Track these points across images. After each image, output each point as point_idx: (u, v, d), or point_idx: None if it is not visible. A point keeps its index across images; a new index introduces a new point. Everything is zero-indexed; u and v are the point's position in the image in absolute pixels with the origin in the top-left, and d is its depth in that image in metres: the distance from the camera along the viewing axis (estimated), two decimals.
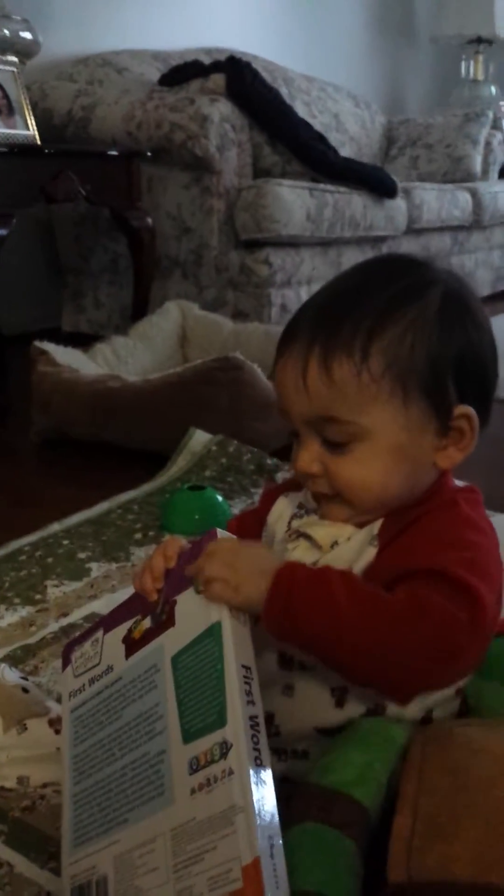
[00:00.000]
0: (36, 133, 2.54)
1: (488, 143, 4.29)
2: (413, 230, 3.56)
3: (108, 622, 0.83)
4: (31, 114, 2.53)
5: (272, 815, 0.62)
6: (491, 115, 4.31)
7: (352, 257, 3.16)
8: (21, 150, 2.43)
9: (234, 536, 0.77)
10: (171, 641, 0.73)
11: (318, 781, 0.72)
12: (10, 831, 0.88)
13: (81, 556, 1.47)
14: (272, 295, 2.83)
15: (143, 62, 3.17)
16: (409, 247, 3.57)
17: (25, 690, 0.98)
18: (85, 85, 2.98)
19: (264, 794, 0.62)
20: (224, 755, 0.63)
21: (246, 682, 0.67)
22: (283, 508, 0.89)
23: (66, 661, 0.87)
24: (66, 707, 0.84)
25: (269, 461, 1.83)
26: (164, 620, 0.74)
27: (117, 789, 0.73)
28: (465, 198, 3.88)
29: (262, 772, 0.63)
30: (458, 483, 0.85)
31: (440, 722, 0.79)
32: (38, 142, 2.55)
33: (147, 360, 2.36)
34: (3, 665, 1.03)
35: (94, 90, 2.93)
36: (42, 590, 1.35)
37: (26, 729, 0.95)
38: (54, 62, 3.09)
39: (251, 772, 0.62)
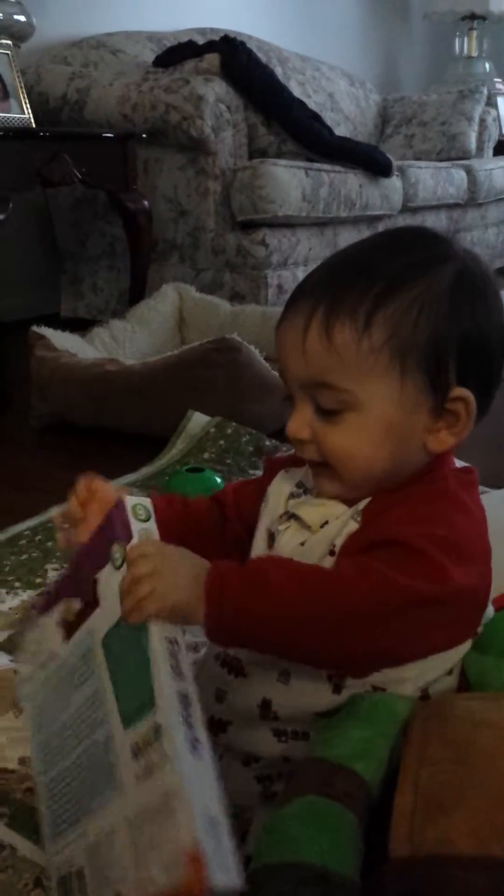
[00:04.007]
0: (31, 116, 2.54)
1: (483, 121, 4.28)
2: (409, 209, 3.56)
3: (44, 605, 0.80)
4: (25, 97, 2.53)
5: (212, 795, 0.59)
6: (485, 91, 4.30)
7: (348, 237, 3.16)
8: (16, 133, 2.43)
9: (146, 507, 0.71)
10: (99, 623, 0.70)
11: (321, 755, 0.72)
12: (12, 813, 0.88)
13: None
14: (269, 276, 2.83)
15: (137, 44, 3.16)
16: (405, 225, 3.57)
17: (17, 672, 0.98)
18: (80, 67, 2.98)
19: (200, 773, 0.60)
20: (157, 739, 0.61)
21: (171, 656, 0.64)
22: (282, 484, 0.87)
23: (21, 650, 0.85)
24: (23, 697, 0.83)
25: (267, 443, 1.85)
26: (91, 602, 0.71)
27: (79, 779, 0.71)
28: (460, 175, 3.88)
29: (197, 751, 0.61)
30: (458, 463, 0.84)
31: (442, 696, 0.79)
32: (34, 125, 2.55)
33: (145, 344, 2.37)
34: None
35: (89, 73, 2.92)
36: (43, 573, 1.37)
37: (23, 711, 0.95)
38: (49, 45, 3.08)
39: (183, 753, 0.60)
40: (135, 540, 0.68)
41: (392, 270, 0.76)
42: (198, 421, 1.89)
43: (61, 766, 0.74)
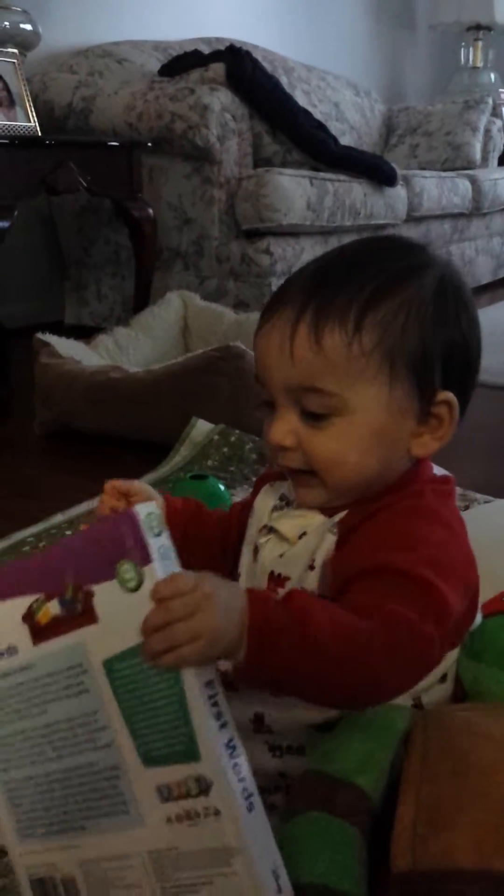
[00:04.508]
0: (37, 124, 2.55)
1: (488, 131, 4.29)
2: (413, 218, 3.56)
3: None
4: (31, 105, 2.54)
5: (271, 847, 0.59)
6: (490, 102, 4.30)
7: None
8: (22, 141, 2.44)
9: (158, 516, 0.63)
10: (97, 642, 0.63)
11: (320, 769, 0.71)
12: None
13: None
14: (273, 284, 2.83)
15: (143, 53, 3.17)
16: (409, 235, 3.57)
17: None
18: (85, 76, 2.99)
19: (259, 826, 0.59)
20: (203, 792, 0.59)
21: (213, 704, 0.60)
22: (266, 498, 0.86)
23: None
24: None
25: None
26: (81, 613, 0.63)
27: (62, 792, 0.67)
28: (464, 185, 3.88)
29: (253, 801, 0.59)
30: (438, 471, 0.83)
31: (441, 707, 0.79)
32: (39, 133, 2.56)
33: (149, 351, 2.37)
34: None
35: (95, 81, 2.93)
36: None
37: None
38: (55, 54, 3.09)
39: (242, 810, 0.58)
40: (156, 564, 0.60)
41: (378, 276, 0.76)
42: (201, 428, 1.89)
43: (28, 772, 0.69)
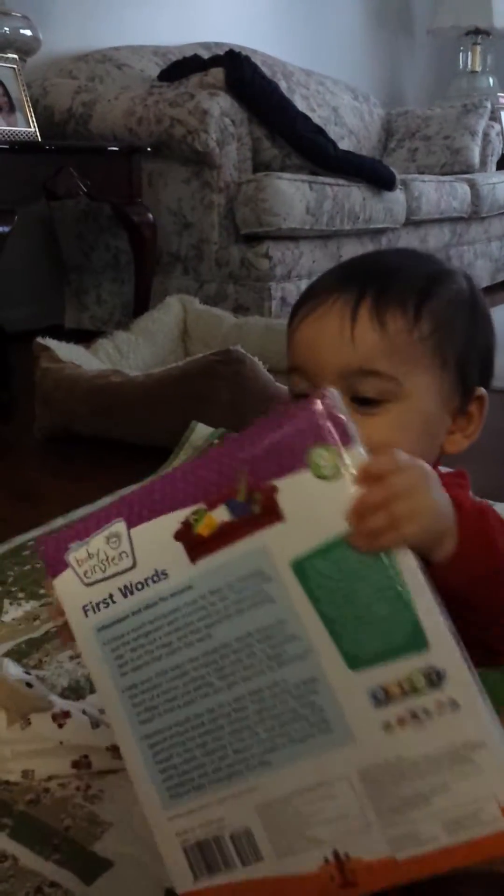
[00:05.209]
0: (37, 130, 2.56)
1: (486, 135, 4.30)
2: (412, 222, 3.57)
3: (127, 511, 0.62)
4: (31, 111, 2.55)
5: None
6: (489, 106, 4.32)
7: (351, 250, 3.18)
8: (22, 147, 2.45)
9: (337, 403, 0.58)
10: (283, 543, 0.57)
11: None
12: (14, 824, 0.89)
13: None
14: (272, 288, 2.84)
15: (142, 58, 3.19)
16: (408, 238, 3.59)
17: (29, 685, 0.99)
18: (85, 81, 3.00)
19: (493, 717, 0.55)
20: (435, 684, 0.54)
21: (433, 589, 0.55)
22: None
23: (57, 564, 0.66)
24: (85, 626, 0.65)
25: None
26: (260, 513, 0.57)
27: (232, 727, 0.60)
28: (463, 189, 3.89)
29: (484, 693, 0.55)
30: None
31: None
32: (39, 138, 2.57)
33: (149, 355, 2.38)
34: (6, 660, 1.04)
35: (95, 86, 2.94)
36: (47, 584, 1.37)
37: (30, 724, 0.96)
38: (54, 59, 3.10)
39: (480, 699, 0.54)
40: (356, 445, 0.56)
41: (425, 273, 0.79)
42: (201, 432, 1.90)
43: (183, 714, 0.62)
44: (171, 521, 0.60)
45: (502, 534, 0.64)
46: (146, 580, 0.61)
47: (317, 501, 0.56)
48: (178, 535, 0.60)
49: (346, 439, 0.56)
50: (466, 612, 0.62)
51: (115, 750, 0.92)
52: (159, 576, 0.61)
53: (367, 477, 0.56)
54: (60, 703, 0.98)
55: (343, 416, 0.56)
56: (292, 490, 0.56)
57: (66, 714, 0.97)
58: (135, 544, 0.62)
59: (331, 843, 0.58)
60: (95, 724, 0.97)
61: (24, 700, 0.97)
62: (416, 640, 0.54)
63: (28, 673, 1.03)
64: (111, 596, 0.63)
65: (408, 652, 0.54)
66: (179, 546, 0.60)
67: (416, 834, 0.55)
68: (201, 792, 0.62)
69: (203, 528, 0.59)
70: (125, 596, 0.62)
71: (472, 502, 0.65)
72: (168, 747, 0.62)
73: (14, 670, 1.01)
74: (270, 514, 0.57)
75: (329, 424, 0.56)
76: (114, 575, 0.62)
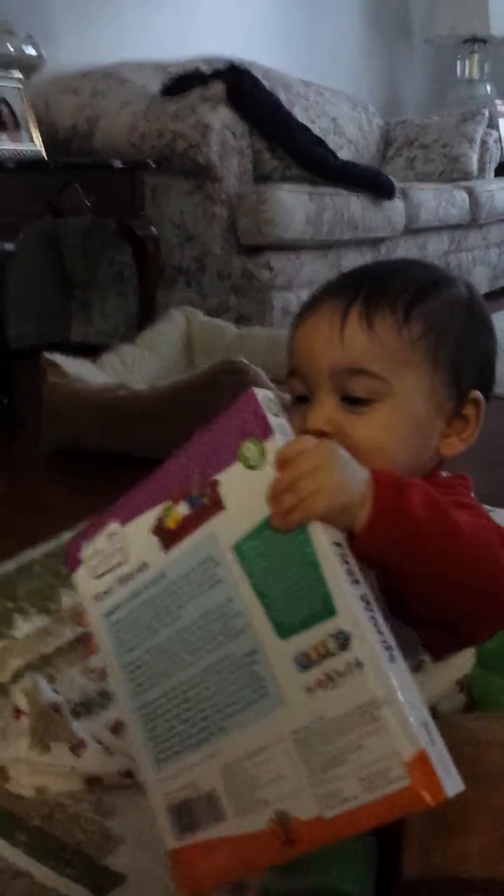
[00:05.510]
0: (42, 148, 2.60)
1: (484, 142, 4.32)
2: (411, 230, 3.60)
3: (121, 512, 0.73)
4: (36, 128, 2.59)
5: (418, 700, 0.59)
6: (487, 113, 4.34)
7: (351, 259, 3.22)
8: (28, 165, 2.49)
9: (275, 401, 0.66)
10: (226, 529, 0.64)
11: None
12: (29, 840, 0.89)
13: None
14: (274, 298, 2.88)
15: (144, 73, 3.22)
16: (407, 246, 3.62)
17: (57, 710, 0.99)
18: (88, 98, 3.03)
19: (403, 678, 0.59)
20: (343, 646, 0.58)
21: (344, 561, 0.61)
22: None
23: (74, 562, 0.76)
24: (96, 613, 0.74)
25: None
26: (209, 506, 0.65)
27: (198, 697, 0.67)
28: (461, 196, 3.92)
29: (393, 653, 0.59)
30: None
31: (449, 715, 0.78)
32: (45, 156, 2.60)
33: (154, 368, 2.41)
34: (39, 678, 1.05)
35: (97, 103, 2.98)
36: (57, 599, 1.39)
37: (49, 750, 0.97)
38: (56, 75, 3.14)
39: (383, 657, 0.58)
40: (276, 436, 0.63)
41: (421, 278, 0.82)
42: None
43: (163, 688, 0.69)
44: (150, 517, 0.69)
45: (423, 505, 0.66)
46: (134, 572, 0.71)
47: (248, 490, 0.63)
48: (154, 530, 0.69)
49: (268, 431, 0.63)
50: (399, 582, 0.66)
51: (127, 775, 0.94)
52: (142, 568, 0.70)
53: (280, 462, 0.62)
54: (77, 732, 0.98)
55: (266, 412, 0.63)
56: (230, 481, 0.64)
57: (83, 744, 0.97)
58: (127, 540, 0.71)
59: (274, 803, 0.63)
60: (109, 751, 0.98)
61: (51, 726, 0.98)
62: (327, 607, 0.59)
63: (56, 692, 1.03)
64: (112, 587, 0.72)
65: (321, 619, 0.59)
66: (155, 539, 0.69)
67: (340, 792, 0.59)
68: (179, 757, 0.68)
69: (171, 522, 0.68)
70: (121, 585, 0.72)
71: (391, 477, 0.67)
72: (153, 718, 0.70)
73: (46, 692, 1.01)
74: (215, 504, 0.64)
75: (253, 419, 0.63)
76: (113, 568, 0.72)
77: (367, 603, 0.60)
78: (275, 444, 0.62)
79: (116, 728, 1.00)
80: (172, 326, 2.53)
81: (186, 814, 0.68)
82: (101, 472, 1.98)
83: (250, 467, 0.63)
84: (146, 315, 2.81)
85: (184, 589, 0.67)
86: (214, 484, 0.65)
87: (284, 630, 0.61)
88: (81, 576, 0.75)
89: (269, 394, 0.65)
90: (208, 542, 0.65)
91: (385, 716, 0.57)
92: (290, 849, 0.62)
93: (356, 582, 0.60)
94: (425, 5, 5.29)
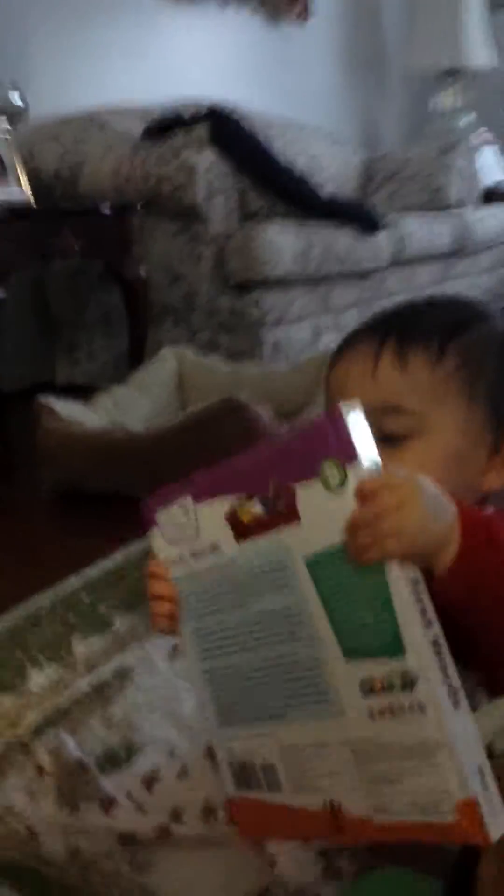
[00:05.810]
0: (30, 195, 2.60)
1: (466, 171, 4.35)
2: (399, 261, 3.61)
3: (195, 489, 0.72)
4: (24, 176, 2.60)
5: (476, 744, 0.60)
6: (468, 142, 4.38)
7: (341, 293, 3.23)
8: (16, 212, 2.49)
9: (363, 418, 0.62)
10: (299, 540, 0.64)
11: None
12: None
13: (102, 609, 1.50)
14: (265, 335, 2.88)
15: (125, 118, 3.24)
16: (396, 278, 3.63)
17: (84, 768, 0.98)
18: (71, 144, 3.05)
19: (464, 723, 0.59)
20: (409, 686, 0.59)
21: (418, 600, 0.60)
22: None
23: (150, 521, 0.77)
24: (170, 572, 0.76)
25: None
26: (283, 513, 0.64)
27: (261, 681, 0.69)
28: (448, 226, 3.93)
29: (457, 701, 0.59)
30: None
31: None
32: (34, 204, 2.61)
33: (147, 408, 2.41)
34: (63, 734, 1.04)
35: (80, 149, 2.99)
36: (67, 647, 1.38)
37: (78, 810, 0.95)
38: (38, 121, 3.15)
39: (447, 708, 0.59)
40: (361, 462, 0.61)
41: (455, 314, 0.82)
42: None
43: (229, 661, 0.72)
44: (224, 503, 0.69)
45: None
46: (206, 549, 0.72)
47: (326, 510, 0.62)
48: (228, 518, 0.69)
49: (353, 455, 0.61)
50: (470, 622, 0.65)
51: (161, 833, 0.93)
52: (214, 549, 0.71)
53: (361, 494, 0.60)
54: (106, 787, 0.97)
55: (352, 434, 0.61)
56: (308, 496, 0.63)
57: (114, 801, 0.96)
58: (199, 517, 0.71)
59: (328, 792, 0.66)
60: (140, 807, 0.97)
61: (78, 784, 0.97)
62: (395, 646, 0.59)
63: (80, 749, 1.02)
64: (182, 556, 0.74)
65: (389, 654, 0.60)
66: (228, 527, 0.69)
67: (391, 805, 0.62)
68: (238, 727, 0.73)
69: (245, 516, 0.68)
70: (194, 560, 0.73)
71: (480, 517, 0.66)
72: (218, 685, 0.73)
73: (72, 749, 1.00)
74: (291, 513, 0.64)
75: (337, 440, 0.61)
76: (186, 539, 0.73)
77: (438, 646, 0.59)
78: (357, 472, 0.61)
79: (149, 784, 0.99)
80: (164, 367, 2.53)
81: (245, 774, 0.73)
82: (100, 514, 1.98)
83: (329, 488, 0.61)
84: (137, 355, 2.80)
85: (252, 583, 0.68)
86: (292, 494, 0.64)
87: (350, 652, 0.62)
88: (156, 535, 0.77)
89: (359, 412, 0.62)
90: (280, 550, 0.65)
91: (441, 760, 0.58)
92: (341, 836, 0.66)
93: (429, 624, 0.59)
94: (400, 39, 5.35)
